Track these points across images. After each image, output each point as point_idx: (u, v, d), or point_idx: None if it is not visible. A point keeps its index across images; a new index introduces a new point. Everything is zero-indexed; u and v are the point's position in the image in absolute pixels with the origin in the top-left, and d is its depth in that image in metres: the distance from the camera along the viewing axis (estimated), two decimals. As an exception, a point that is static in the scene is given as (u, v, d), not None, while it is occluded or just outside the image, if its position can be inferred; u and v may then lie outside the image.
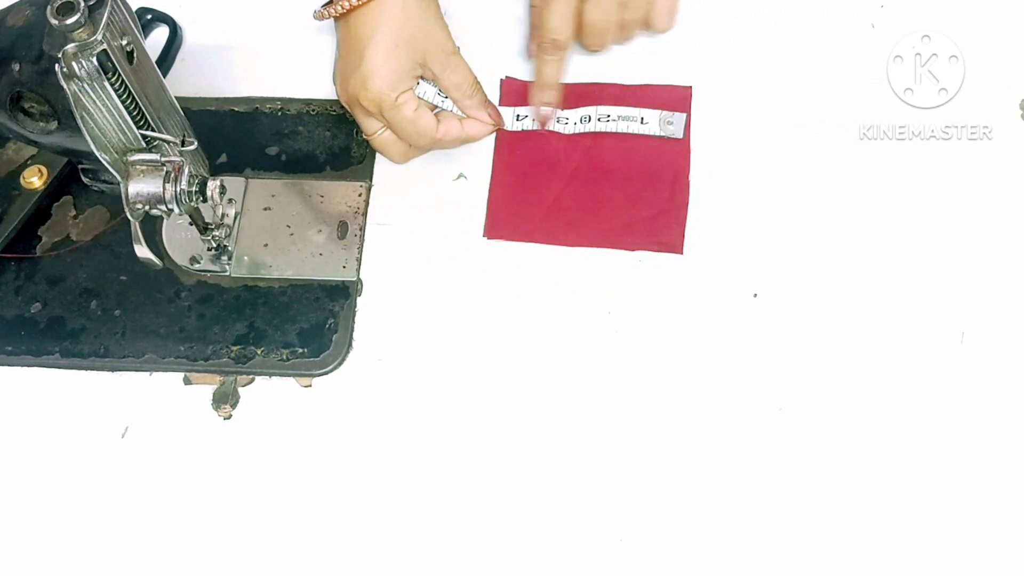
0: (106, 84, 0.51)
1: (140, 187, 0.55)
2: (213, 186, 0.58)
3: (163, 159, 0.55)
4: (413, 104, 0.64)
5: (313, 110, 0.70)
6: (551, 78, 0.67)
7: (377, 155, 0.68)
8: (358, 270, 0.65)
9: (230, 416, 0.63)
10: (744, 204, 0.66)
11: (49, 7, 0.48)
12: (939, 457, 0.59)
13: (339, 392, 0.63)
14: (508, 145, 0.68)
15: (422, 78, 0.65)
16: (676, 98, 0.68)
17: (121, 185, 0.55)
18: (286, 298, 0.65)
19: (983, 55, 0.68)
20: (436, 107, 0.66)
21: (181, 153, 0.57)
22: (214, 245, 0.65)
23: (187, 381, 0.64)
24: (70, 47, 0.49)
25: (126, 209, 0.55)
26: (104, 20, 0.50)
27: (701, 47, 0.70)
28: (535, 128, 0.68)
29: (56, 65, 0.49)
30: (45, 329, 0.65)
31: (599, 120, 0.67)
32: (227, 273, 0.66)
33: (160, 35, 0.72)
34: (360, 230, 0.66)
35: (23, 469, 0.62)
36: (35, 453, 0.62)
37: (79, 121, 0.52)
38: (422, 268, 0.65)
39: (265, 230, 0.67)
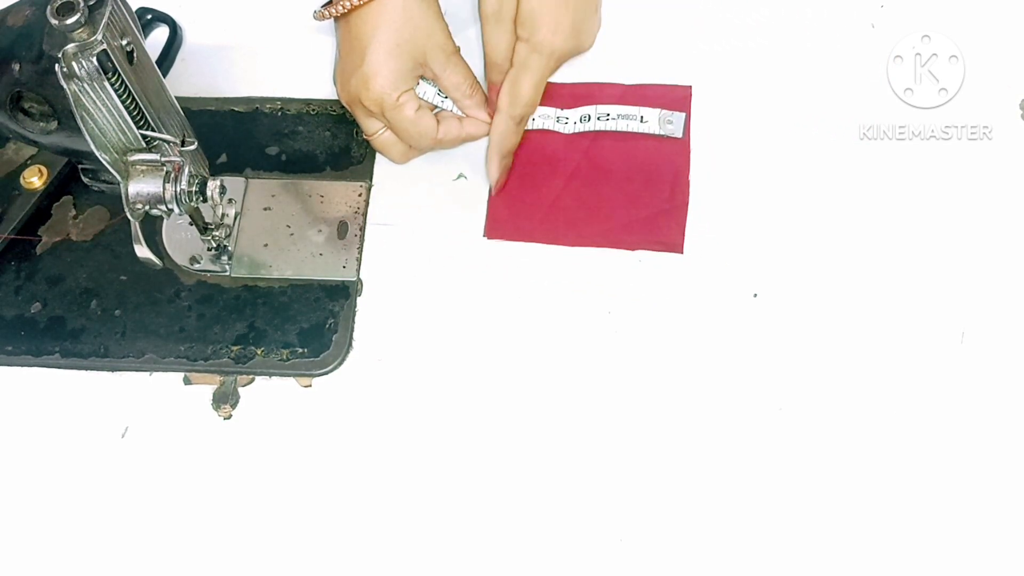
0: (106, 84, 0.51)
1: (140, 187, 0.55)
2: (213, 186, 0.58)
3: (163, 159, 0.55)
4: (414, 104, 0.64)
5: (313, 110, 0.70)
6: (513, 146, 0.66)
7: (377, 155, 0.68)
8: (358, 270, 0.65)
9: (230, 416, 0.63)
10: (744, 204, 0.66)
11: (49, 7, 0.48)
12: (939, 457, 0.59)
13: (339, 392, 0.63)
14: None
15: (422, 78, 0.65)
16: (676, 98, 0.68)
17: (121, 185, 0.55)
18: (286, 298, 0.65)
19: (983, 55, 0.68)
20: (436, 107, 0.66)
21: (181, 153, 0.57)
22: (214, 245, 0.65)
23: (187, 381, 0.64)
24: (70, 47, 0.49)
25: (126, 209, 0.55)
26: (104, 20, 0.50)
27: (701, 47, 0.70)
28: (535, 128, 0.68)
29: (56, 65, 0.49)
30: (45, 329, 0.65)
31: (599, 119, 0.67)
32: (227, 273, 0.66)
33: (160, 35, 0.72)
34: (360, 230, 0.66)
35: (23, 469, 0.62)
36: (35, 453, 0.62)
37: (79, 121, 0.52)
38: (422, 268, 0.65)
39: (265, 230, 0.67)
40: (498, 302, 0.64)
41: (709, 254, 0.65)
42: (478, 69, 0.66)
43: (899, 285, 0.63)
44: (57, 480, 0.61)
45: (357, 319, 0.64)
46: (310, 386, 0.63)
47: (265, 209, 0.67)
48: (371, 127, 0.66)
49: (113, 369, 0.64)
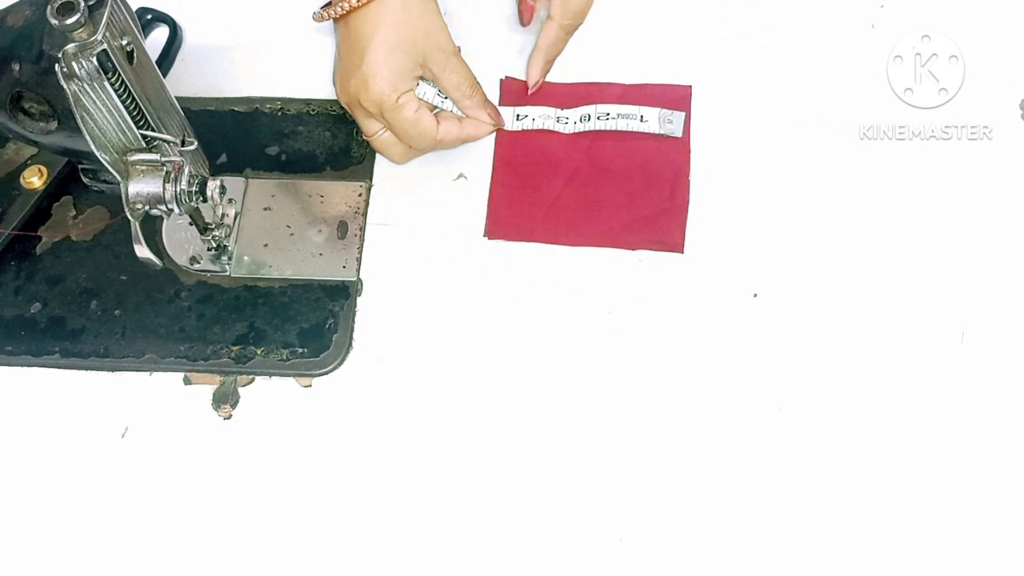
0: (106, 84, 0.51)
1: (140, 187, 0.55)
2: (213, 186, 0.58)
3: (163, 159, 0.55)
4: (414, 105, 0.64)
5: (313, 110, 0.70)
6: (559, 53, 0.69)
7: (377, 155, 0.68)
8: (358, 270, 0.65)
9: (230, 416, 0.63)
10: (744, 204, 0.66)
11: (49, 7, 0.48)
12: (939, 457, 0.59)
13: (339, 392, 0.63)
14: (508, 145, 0.68)
15: (421, 79, 0.65)
16: (676, 97, 0.68)
17: (121, 185, 0.55)
18: (286, 298, 0.65)
19: (983, 55, 0.68)
20: (436, 108, 0.66)
21: (181, 153, 0.57)
22: (214, 245, 0.65)
23: (187, 381, 0.64)
24: (70, 47, 0.49)
25: (126, 209, 0.55)
26: (104, 20, 0.50)
27: (701, 47, 0.70)
28: (535, 128, 0.68)
29: (56, 65, 0.49)
30: (45, 329, 0.65)
31: (599, 119, 0.67)
32: (227, 273, 0.66)
33: (160, 35, 0.72)
34: (360, 230, 0.66)
35: (23, 469, 0.62)
36: (35, 453, 0.62)
37: (79, 121, 0.52)
38: (422, 268, 0.65)
39: (265, 230, 0.67)
40: (498, 302, 0.64)
41: (709, 254, 0.65)
42: (478, 69, 0.66)
43: (899, 285, 0.63)
44: (57, 480, 0.61)
45: (357, 319, 0.64)
46: (310, 386, 0.63)
47: (265, 209, 0.67)
48: (371, 128, 0.66)
49: (113, 369, 0.64)
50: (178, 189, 0.55)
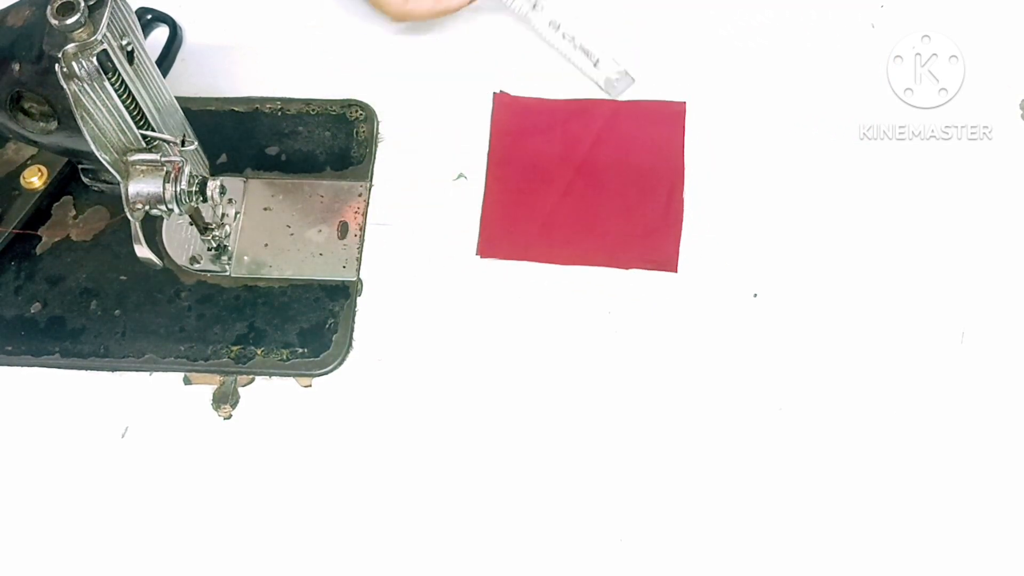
0: (106, 84, 0.51)
1: (140, 187, 0.55)
2: (213, 186, 0.58)
3: (163, 159, 0.55)
4: None
5: (313, 110, 0.70)
6: None
7: (377, 156, 0.68)
8: (358, 270, 0.65)
9: (230, 416, 0.63)
10: (745, 203, 0.66)
11: (49, 7, 0.48)
12: (939, 457, 0.59)
13: (339, 392, 0.63)
14: (501, 160, 0.68)
15: None
16: (670, 113, 0.68)
17: (121, 185, 0.55)
18: (286, 298, 0.65)
19: (983, 55, 0.68)
20: None
21: (181, 153, 0.57)
22: (214, 245, 0.65)
23: (187, 381, 0.64)
24: (70, 47, 0.49)
25: (126, 209, 0.55)
26: (104, 20, 0.50)
27: (701, 47, 0.70)
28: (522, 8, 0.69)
29: (56, 65, 0.49)
30: (45, 329, 0.65)
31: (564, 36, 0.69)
32: (227, 273, 0.66)
33: (160, 35, 0.72)
34: (360, 230, 0.66)
35: (23, 469, 0.62)
36: (35, 453, 0.62)
37: (79, 121, 0.52)
38: (422, 268, 0.65)
39: (265, 230, 0.67)
40: (498, 302, 0.64)
41: (709, 254, 0.65)
42: (471, 84, 0.66)
43: (899, 285, 0.63)
44: (57, 480, 0.61)
45: (357, 319, 0.64)
46: (310, 386, 0.63)
47: (265, 209, 0.67)
48: None
49: (113, 369, 0.64)
50: (178, 189, 0.55)
